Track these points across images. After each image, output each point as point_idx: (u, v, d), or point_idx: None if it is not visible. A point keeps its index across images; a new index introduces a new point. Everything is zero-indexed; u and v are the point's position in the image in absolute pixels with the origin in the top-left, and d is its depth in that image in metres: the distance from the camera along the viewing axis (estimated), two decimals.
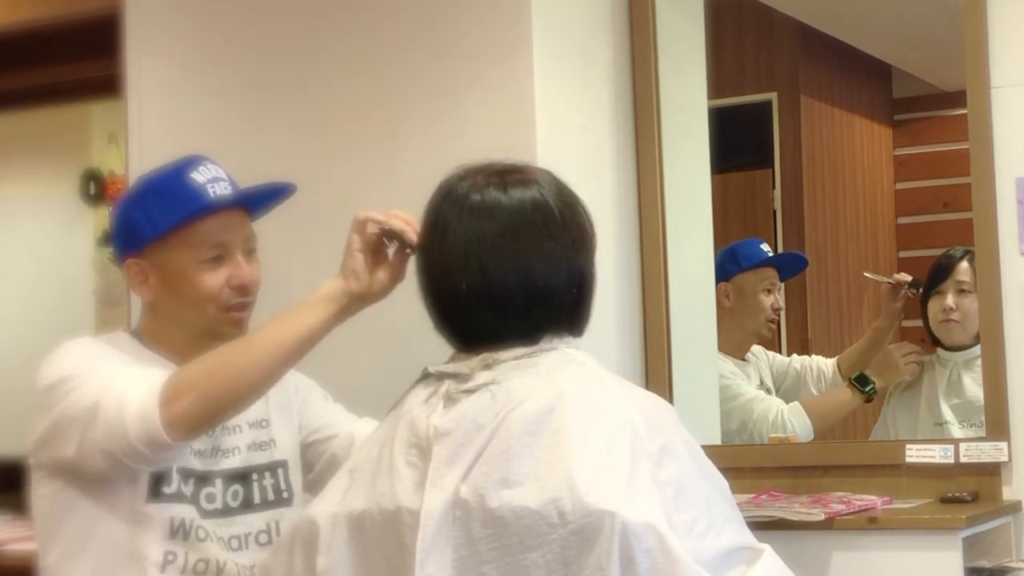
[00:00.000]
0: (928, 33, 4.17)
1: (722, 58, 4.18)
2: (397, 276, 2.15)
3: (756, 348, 3.99)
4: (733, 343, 3.86)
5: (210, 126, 3.36)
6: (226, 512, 2.34)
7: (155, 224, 2.31)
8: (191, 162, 2.36)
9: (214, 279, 2.32)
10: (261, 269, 2.40)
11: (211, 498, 2.32)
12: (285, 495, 2.42)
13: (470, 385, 1.93)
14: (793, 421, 3.70)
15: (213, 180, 2.34)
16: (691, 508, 1.84)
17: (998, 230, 3.03)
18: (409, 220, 2.09)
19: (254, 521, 2.36)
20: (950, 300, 3.70)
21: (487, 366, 1.94)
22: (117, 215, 2.43)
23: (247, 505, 2.37)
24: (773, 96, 4.66)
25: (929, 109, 4.83)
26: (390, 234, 2.11)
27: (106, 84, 3.73)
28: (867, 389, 3.71)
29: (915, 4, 4.29)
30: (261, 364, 2.14)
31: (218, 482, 2.34)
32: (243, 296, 2.35)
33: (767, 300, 3.95)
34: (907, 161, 4.88)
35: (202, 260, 2.32)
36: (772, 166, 4.61)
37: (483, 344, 1.96)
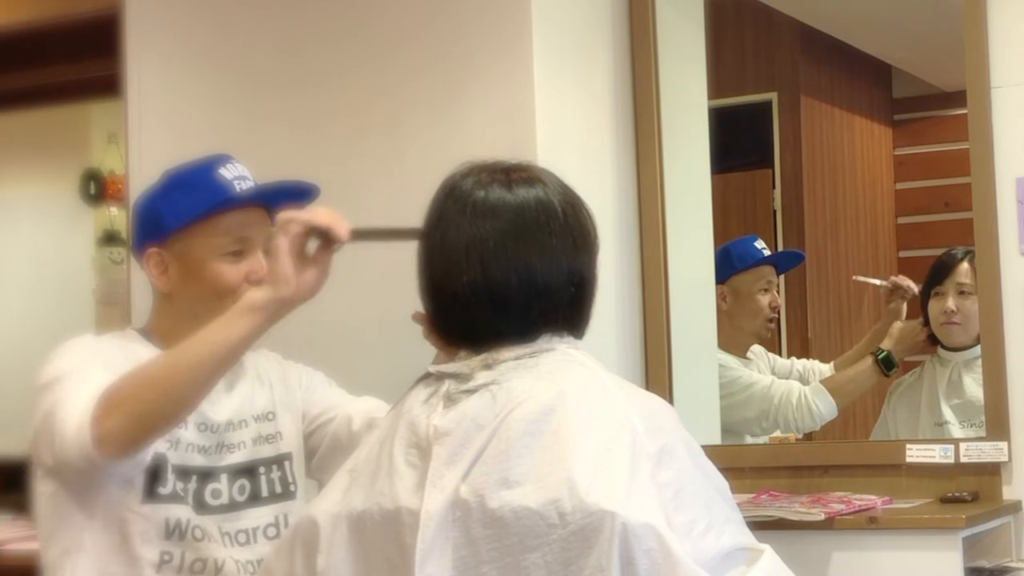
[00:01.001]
0: (928, 33, 4.17)
1: (722, 58, 4.18)
2: (324, 274, 2.10)
3: (757, 348, 3.98)
4: (733, 343, 3.86)
5: (210, 126, 3.36)
6: (233, 507, 2.35)
7: (179, 214, 2.34)
8: (219, 159, 2.40)
9: (234, 272, 2.34)
10: None
11: (216, 494, 2.33)
12: (292, 488, 2.43)
13: (470, 385, 1.93)
14: (817, 402, 3.70)
15: (239, 177, 2.38)
16: (691, 509, 1.84)
17: (998, 230, 3.04)
18: (333, 216, 2.06)
19: (262, 514, 2.38)
20: (951, 303, 3.70)
21: (487, 366, 1.94)
22: (140, 206, 2.45)
23: (254, 499, 2.38)
24: (773, 96, 4.66)
25: (929, 109, 4.83)
26: (316, 231, 2.06)
27: (106, 84, 3.73)
28: (889, 372, 3.70)
29: (915, 4, 4.29)
30: (188, 379, 2.11)
31: (223, 477, 2.35)
32: None
33: (764, 300, 3.94)
34: (907, 161, 4.88)
35: (223, 252, 2.35)
36: (772, 166, 4.61)
37: (482, 342, 1.96)
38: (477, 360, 1.95)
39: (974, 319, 3.45)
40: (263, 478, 2.39)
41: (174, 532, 2.27)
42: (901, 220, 4.87)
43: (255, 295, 2.09)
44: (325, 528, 1.93)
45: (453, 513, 1.84)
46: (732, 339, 3.85)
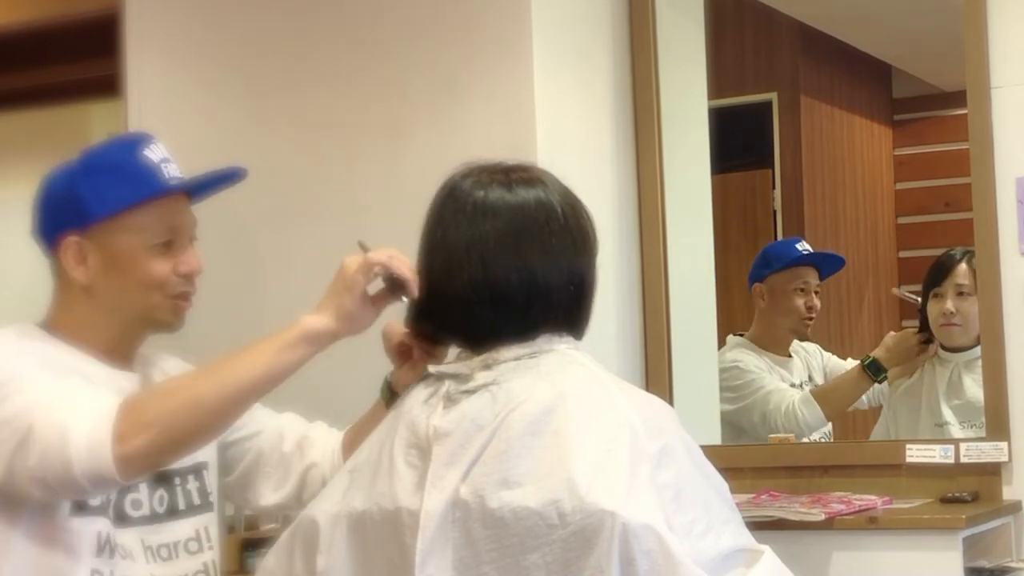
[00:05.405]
0: (928, 33, 4.17)
1: (722, 58, 4.18)
2: (376, 318, 2.06)
3: (810, 346, 4.02)
4: (773, 340, 3.94)
5: (210, 126, 3.37)
6: (154, 518, 2.19)
7: (106, 201, 2.16)
8: (141, 139, 2.23)
9: (162, 265, 2.18)
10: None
11: (137, 504, 2.17)
12: (211, 498, 2.28)
13: (470, 386, 1.93)
14: (803, 410, 3.74)
15: (164, 160, 2.20)
16: (690, 510, 1.84)
17: (998, 230, 3.04)
18: (410, 268, 2.01)
19: (183, 528, 2.22)
20: (950, 304, 3.69)
21: (487, 366, 1.94)
22: (54, 188, 2.28)
23: (173, 512, 2.22)
24: (773, 96, 4.66)
25: (929, 109, 4.84)
26: (393, 281, 2.02)
27: (106, 84, 3.73)
28: (879, 378, 3.72)
29: (915, 4, 4.29)
30: (233, 400, 1.99)
31: (142, 486, 2.17)
32: (189, 285, 2.21)
33: (800, 300, 3.96)
34: (907, 161, 4.89)
35: (152, 244, 2.17)
36: (772, 166, 4.62)
37: (481, 342, 1.96)
38: (477, 360, 1.95)
39: (973, 320, 3.45)
40: (179, 489, 2.23)
41: (104, 548, 2.10)
42: (901, 220, 4.88)
43: (315, 323, 2.00)
44: (325, 528, 1.93)
45: (453, 513, 1.84)
46: (771, 337, 3.93)
